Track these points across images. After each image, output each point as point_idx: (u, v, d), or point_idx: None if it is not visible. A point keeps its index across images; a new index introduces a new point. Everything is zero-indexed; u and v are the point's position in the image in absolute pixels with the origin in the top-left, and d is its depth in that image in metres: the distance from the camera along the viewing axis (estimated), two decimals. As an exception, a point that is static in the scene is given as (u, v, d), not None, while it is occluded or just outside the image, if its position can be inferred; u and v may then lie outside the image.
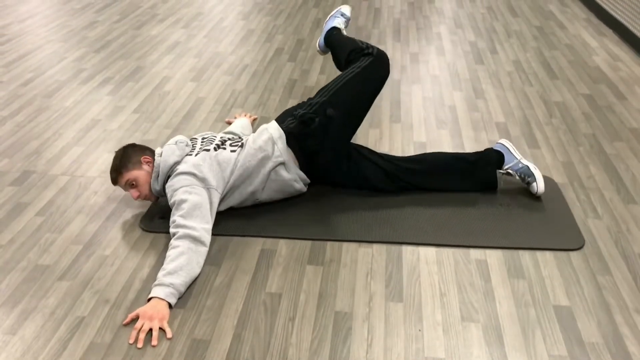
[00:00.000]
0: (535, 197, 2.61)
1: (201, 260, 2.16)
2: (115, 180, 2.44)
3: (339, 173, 2.61)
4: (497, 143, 2.73)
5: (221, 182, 2.36)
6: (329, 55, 4.15)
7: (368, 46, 2.71)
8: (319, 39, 3.31)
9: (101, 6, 5.27)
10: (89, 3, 5.36)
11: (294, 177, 2.48)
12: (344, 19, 3.26)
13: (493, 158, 2.64)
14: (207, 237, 2.20)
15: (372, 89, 2.64)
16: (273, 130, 2.50)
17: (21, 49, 4.29)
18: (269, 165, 2.42)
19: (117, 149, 2.61)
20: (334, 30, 3.17)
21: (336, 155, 2.56)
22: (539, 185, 2.56)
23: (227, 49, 4.31)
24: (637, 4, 4.32)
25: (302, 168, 2.52)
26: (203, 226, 2.20)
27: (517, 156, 2.65)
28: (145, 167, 2.43)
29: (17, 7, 5.22)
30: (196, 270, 2.13)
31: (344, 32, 3.19)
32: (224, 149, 2.45)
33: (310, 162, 2.52)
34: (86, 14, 5.07)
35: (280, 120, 2.58)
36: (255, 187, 2.43)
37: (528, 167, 2.60)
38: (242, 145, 2.47)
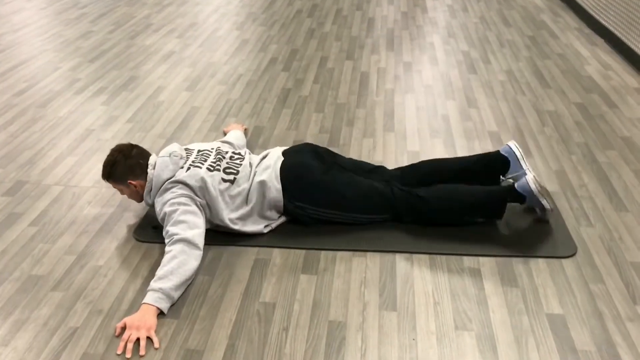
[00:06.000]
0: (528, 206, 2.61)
1: (195, 262, 2.15)
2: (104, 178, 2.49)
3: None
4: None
5: (206, 201, 2.33)
6: (323, 65, 4.16)
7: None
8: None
9: (95, 16, 5.28)
10: (83, 13, 5.37)
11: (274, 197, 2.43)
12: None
13: (504, 192, 2.48)
14: (200, 241, 2.20)
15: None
16: (274, 188, 2.42)
17: (15, 59, 4.30)
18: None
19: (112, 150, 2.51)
20: None
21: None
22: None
23: (221, 58, 4.32)
24: (628, 14, 4.36)
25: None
26: (194, 231, 2.21)
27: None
28: (131, 186, 2.43)
29: (10, 17, 5.22)
30: (190, 271, 2.12)
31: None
32: (218, 170, 2.40)
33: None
34: (81, 24, 5.08)
35: (293, 159, 2.49)
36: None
37: (528, 183, 2.41)
38: (234, 181, 2.40)
